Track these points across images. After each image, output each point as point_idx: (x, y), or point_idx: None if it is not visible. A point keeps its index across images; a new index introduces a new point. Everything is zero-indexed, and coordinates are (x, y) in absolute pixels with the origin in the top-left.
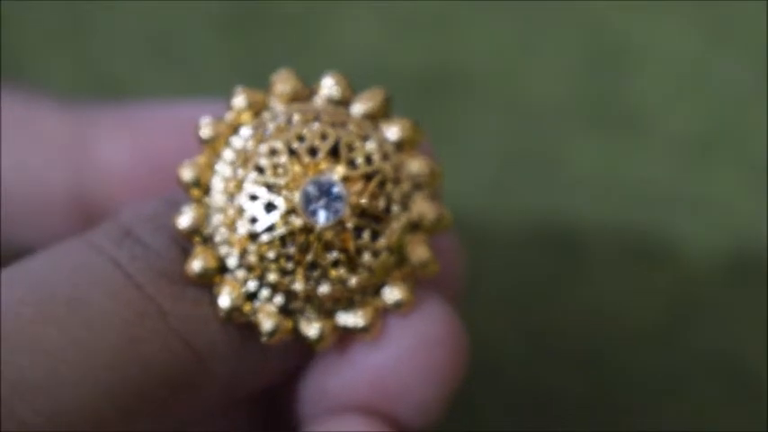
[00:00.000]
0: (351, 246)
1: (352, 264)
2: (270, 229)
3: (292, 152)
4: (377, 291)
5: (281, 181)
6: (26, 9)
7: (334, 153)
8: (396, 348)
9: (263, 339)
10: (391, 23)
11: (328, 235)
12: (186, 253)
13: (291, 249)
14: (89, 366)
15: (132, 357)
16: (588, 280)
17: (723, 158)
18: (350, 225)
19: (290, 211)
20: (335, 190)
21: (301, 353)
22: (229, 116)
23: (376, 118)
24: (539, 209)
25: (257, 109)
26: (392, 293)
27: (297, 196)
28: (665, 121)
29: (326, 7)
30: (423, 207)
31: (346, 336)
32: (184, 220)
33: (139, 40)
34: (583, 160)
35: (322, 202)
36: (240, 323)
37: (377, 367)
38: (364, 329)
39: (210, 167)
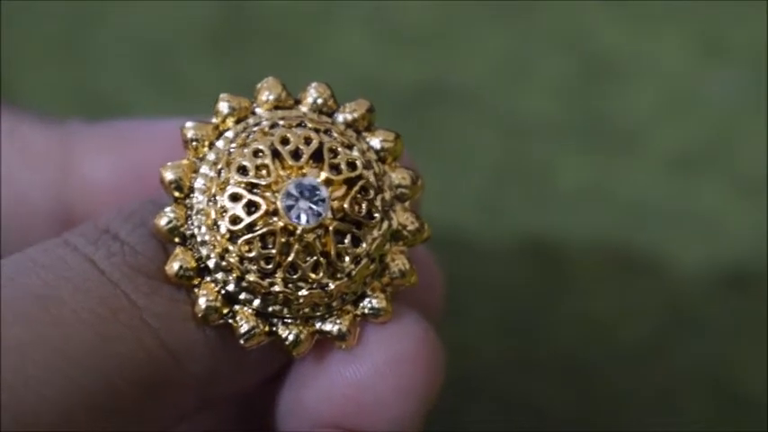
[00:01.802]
0: (332, 249)
1: (332, 268)
2: (250, 228)
3: (276, 154)
4: (355, 300)
5: (264, 182)
6: (17, 26)
7: (318, 158)
8: (372, 362)
9: (240, 342)
10: (385, 39)
11: (309, 237)
12: (166, 250)
13: (272, 250)
14: (59, 365)
15: (105, 356)
16: (577, 294)
17: (712, 173)
18: (331, 228)
19: (272, 212)
20: (319, 192)
21: (278, 360)
22: (214, 120)
23: (359, 128)
24: (529, 223)
25: (242, 115)
26: (370, 302)
27: (279, 197)
28: (655, 136)
29: (320, 23)
30: (403, 218)
31: (323, 345)
32: (164, 219)
33: (129, 56)
34: (573, 175)
35: (304, 204)
36: (217, 325)
37: (352, 380)
38: (341, 336)
39: (193, 169)
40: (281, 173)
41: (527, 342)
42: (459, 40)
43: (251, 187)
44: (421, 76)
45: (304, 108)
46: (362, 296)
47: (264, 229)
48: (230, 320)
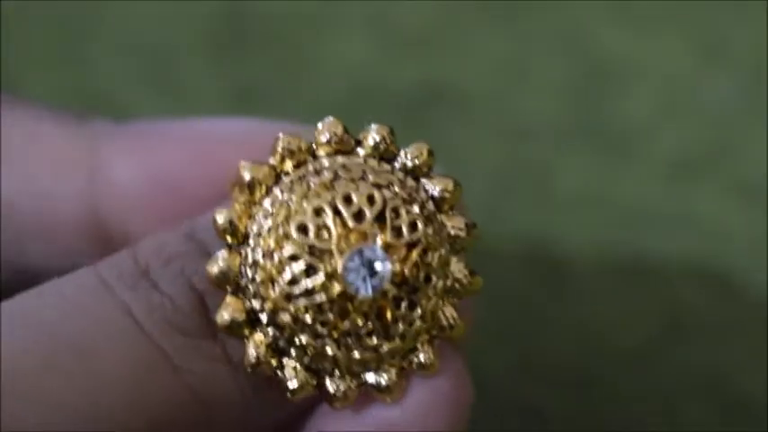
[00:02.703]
0: (388, 315)
1: (386, 332)
2: (308, 293)
3: (338, 213)
4: (404, 353)
5: (325, 245)
6: (17, 26)
7: (380, 218)
8: (407, 405)
9: (288, 396)
10: (386, 42)
11: (366, 305)
12: (203, 303)
13: (329, 316)
14: (93, 418)
15: (139, 410)
16: (576, 298)
17: (711, 178)
18: (390, 296)
19: (331, 276)
20: (380, 259)
21: (313, 403)
22: (271, 161)
23: (419, 175)
24: (527, 226)
25: (301, 158)
26: (419, 357)
27: (339, 263)
28: (656, 139)
29: (321, 25)
30: (459, 273)
31: (367, 392)
32: (216, 267)
33: (129, 57)
34: (572, 179)
35: (364, 271)
36: (264, 377)
37: (386, 420)
38: (388, 390)
39: (248, 214)
40: (342, 233)
41: (526, 345)
42: (460, 41)
43: (311, 249)
44: (421, 77)
45: (363, 151)
46: (411, 349)
47: (323, 295)
48: (278, 372)
